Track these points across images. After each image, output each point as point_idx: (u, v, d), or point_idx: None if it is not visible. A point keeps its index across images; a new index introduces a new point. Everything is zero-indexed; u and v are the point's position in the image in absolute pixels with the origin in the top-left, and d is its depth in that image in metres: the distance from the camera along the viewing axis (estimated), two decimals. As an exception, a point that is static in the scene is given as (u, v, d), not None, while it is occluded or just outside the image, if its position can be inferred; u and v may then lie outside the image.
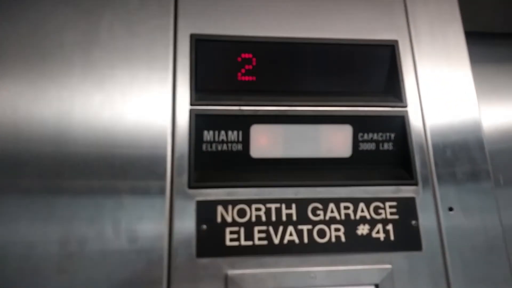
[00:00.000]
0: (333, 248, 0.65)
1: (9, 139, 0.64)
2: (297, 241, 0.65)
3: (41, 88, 0.67)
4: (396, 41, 0.77)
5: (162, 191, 0.65)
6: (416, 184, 0.70)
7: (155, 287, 0.61)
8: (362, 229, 0.66)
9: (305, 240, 0.65)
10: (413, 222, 0.68)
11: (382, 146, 0.73)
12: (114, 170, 0.65)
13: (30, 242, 0.61)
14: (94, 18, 0.71)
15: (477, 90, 0.79)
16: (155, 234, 0.63)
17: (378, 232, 0.67)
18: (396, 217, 0.68)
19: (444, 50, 0.80)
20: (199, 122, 0.68)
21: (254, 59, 0.73)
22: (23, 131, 0.65)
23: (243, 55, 0.73)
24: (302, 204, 0.66)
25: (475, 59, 0.86)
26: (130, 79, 0.69)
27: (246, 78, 0.73)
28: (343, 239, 0.65)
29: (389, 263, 0.65)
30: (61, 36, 0.69)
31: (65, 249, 0.61)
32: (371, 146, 0.73)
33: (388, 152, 0.73)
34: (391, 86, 0.76)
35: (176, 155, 0.66)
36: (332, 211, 0.67)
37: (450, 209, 0.69)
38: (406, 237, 0.67)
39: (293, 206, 0.66)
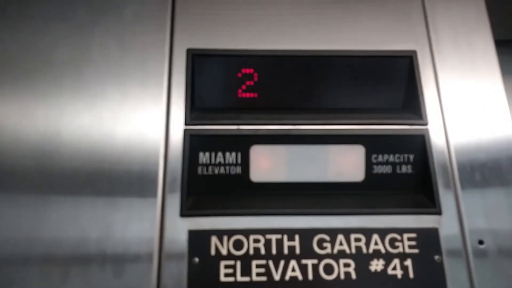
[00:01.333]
0: (342, 287, 0.57)
1: (-6, 160, 0.61)
2: (300, 277, 0.57)
3: (28, 108, 0.63)
4: (414, 52, 0.70)
5: (151, 219, 0.59)
6: (439, 212, 0.61)
7: (141, 327, 0.55)
8: (376, 265, 0.58)
9: (310, 276, 0.57)
10: (436, 257, 0.59)
11: (400, 169, 0.65)
12: (101, 196, 0.60)
13: (9, 276, 0.56)
14: (86, 34, 0.67)
15: (510, 104, 0.69)
16: (143, 267, 0.57)
17: (394, 268, 0.58)
18: (416, 251, 0.59)
19: (470, 60, 0.72)
20: (194, 143, 0.63)
21: (255, 75, 0.67)
22: (9, 153, 0.61)
23: (244, 70, 0.67)
24: (306, 235, 0.59)
25: (508, 69, 0.77)
26: (122, 97, 0.65)
27: (247, 95, 0.67)
28: (353, 276, 0.57)
29: (408, 306, 0.56)
30: (52, 54, 0.66)
31: (46, 281, 0.56)
32: (387, 169, 0.65)
33: (407, 176, 0.65)
34: (410, 102, 0.69)
35: (168, 179, 0.61)
36: (341, 244, 0.59)
37: (481, 242, 0.60)
38: (428, 274, 0.58)
39: (296, 237, 0.59)
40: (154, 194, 0.60)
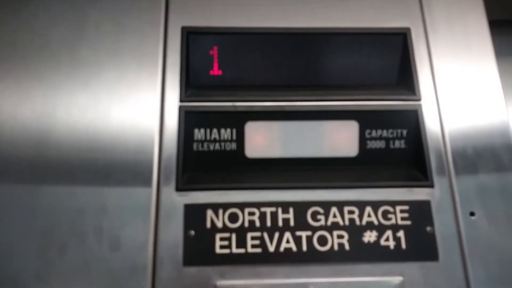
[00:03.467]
0: (336, 257, 0.58)
1: (-9, 141, 0.62)
2: (294, 249, 0.58)
3: (25, 88, 0.64)
4: (408, 29, 0.70)
5: (147, 194, 0.60)
6: (431, 185, 0.62)
7: (139, 297, 0.56)
8: (369, 236, 0.59)
9: (304, 248, 0.58)
10: (428, 228, 0.59)
11: (393, 144, 0.66)
12: (97, 173, 0.61)
13: (8, 250, 0.57)
14: (82, 14, 0.68)
15: (504, 85, 0.70)
16: (140, 240, 0.58)
17: (387, 239, 0.59)
18: (408, 222, 0.60)
19: (463, 40, 0.72)
20: (189, 119, 0.63)
21: (250, 52, 0.68)
22: (5, 133, 0.62)
23: (238, 48, 0.68)
24: (300, 208, 0.60)
25: (500, 50, 0.77)
26: (117, 77, 0.65)
27: (242, 72, 0.68)
28: (347, 247, 0.58)
29: (400, 275, 0.57)
30: (48, 34, 0.67)
31: (44, 257, 0.57)
32: (380, 144, 0.66)
33: (400, 151, 0.66)
34: (403, 78, 0.69)
35: (164, 155, 0.62)
36: (334, 216, 0.60)
37: (472, 214, 0.61)
38: (420, 245, 0.59)
39: (291, 210, 0.60)
40: (150, 170, 0.61)
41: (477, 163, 0.64)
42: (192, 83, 0.66)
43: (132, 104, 0.64)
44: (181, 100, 0.64)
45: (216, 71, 0.67)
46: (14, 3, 0.68)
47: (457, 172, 0.63)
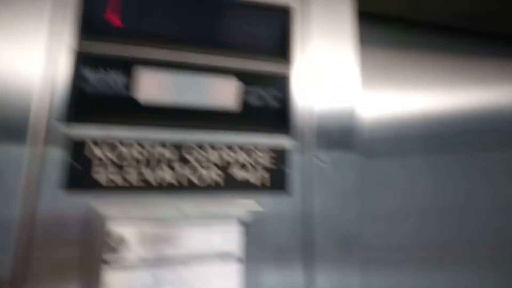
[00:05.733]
0: (212, 192, 0.68)
1: None
2: (170, 180, 0.66)
3: None
4: (289, 6, 0.81)
5: (34, 134, 0.62)
6: (292, 136, 0.75)
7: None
8: (238, 173, 0.70)
9: (179, 179, 0.67)
10: (287, 170, 0.72)
11: (266, 101, 0.77)
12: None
13: None
14: None
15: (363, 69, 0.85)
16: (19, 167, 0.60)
17: (253, 176, 0.70)
18: (271, 164, 0.72)
19: (335, 24, 0.86)
20: (80, 62, 0.66)
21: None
22: None
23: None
24: (179, 145, 0.68)
25: (363, 40, 0.94)
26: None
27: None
28: (222, 183, 0.68)
29: (260, 205, 0.70)
30: None
31: None
32: (255, 100, 0.76)
33: (271, 108, 0.77)
34: (281, 48, 0.80)
35: (55, 97, 0.64)
36: (210, 154, 0.69)
37: (321, 160, 0.75)
38: (278, 182, 0.72)
39: (170, 146, 0.67)
40: (38, 108, 0.63)
41: (329, 127, 0.79)
42: (85, 26, 0.68)
43: (17, 42, 0.64)
44: (73, 43, 0.66)
45: (109, 14, 0.70)
46: None
47: (315, 131, 0.77)
